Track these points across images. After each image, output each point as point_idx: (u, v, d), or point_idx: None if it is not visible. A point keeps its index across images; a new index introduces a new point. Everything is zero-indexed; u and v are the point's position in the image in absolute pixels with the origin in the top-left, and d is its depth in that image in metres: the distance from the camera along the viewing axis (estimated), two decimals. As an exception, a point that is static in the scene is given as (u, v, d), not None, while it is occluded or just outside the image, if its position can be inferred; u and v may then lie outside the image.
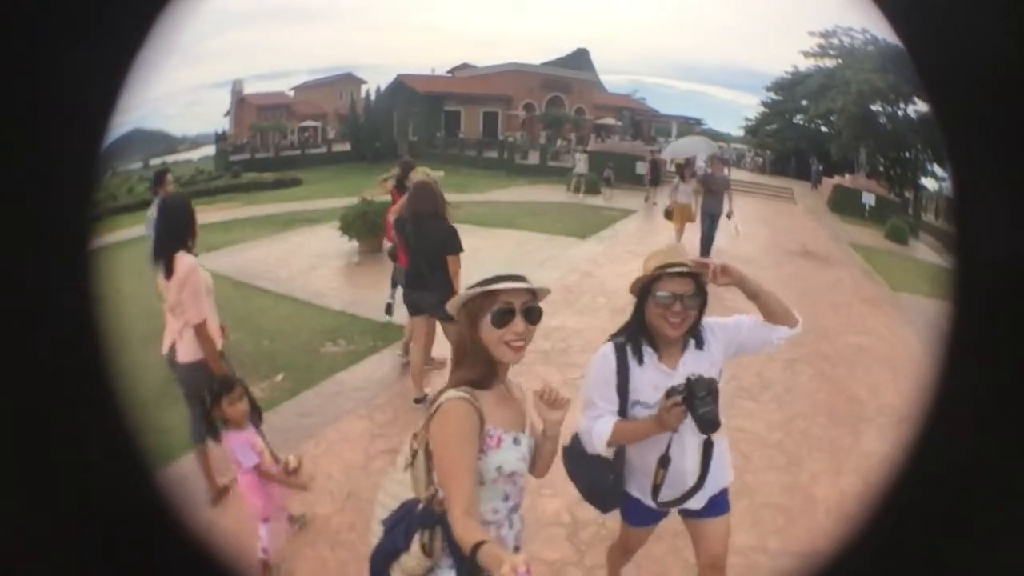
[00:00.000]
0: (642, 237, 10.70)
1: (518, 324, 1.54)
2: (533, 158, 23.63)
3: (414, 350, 4.44)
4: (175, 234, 3.17)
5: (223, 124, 26.47)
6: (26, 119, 0.41)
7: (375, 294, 6.35)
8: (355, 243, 9.12)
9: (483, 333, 1.55)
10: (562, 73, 29.20)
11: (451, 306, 1.61)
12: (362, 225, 8.89)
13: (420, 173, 4.48)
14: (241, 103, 27.15)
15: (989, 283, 0.42)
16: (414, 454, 1.60)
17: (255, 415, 2.90)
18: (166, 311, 3.18)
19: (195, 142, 26.57)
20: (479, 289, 1.56)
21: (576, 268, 8.32)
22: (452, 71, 29.60)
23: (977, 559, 0.45)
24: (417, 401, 4.32)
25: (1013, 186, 0.41)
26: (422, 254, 4.15)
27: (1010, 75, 0.40)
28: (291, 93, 29.36)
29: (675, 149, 21.51)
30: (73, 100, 0.41)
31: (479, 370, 1.58)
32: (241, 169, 22.43)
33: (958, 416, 0.44)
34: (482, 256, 7.91)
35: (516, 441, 1.60)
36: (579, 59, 30.39)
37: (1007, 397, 0.42)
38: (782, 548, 2.99)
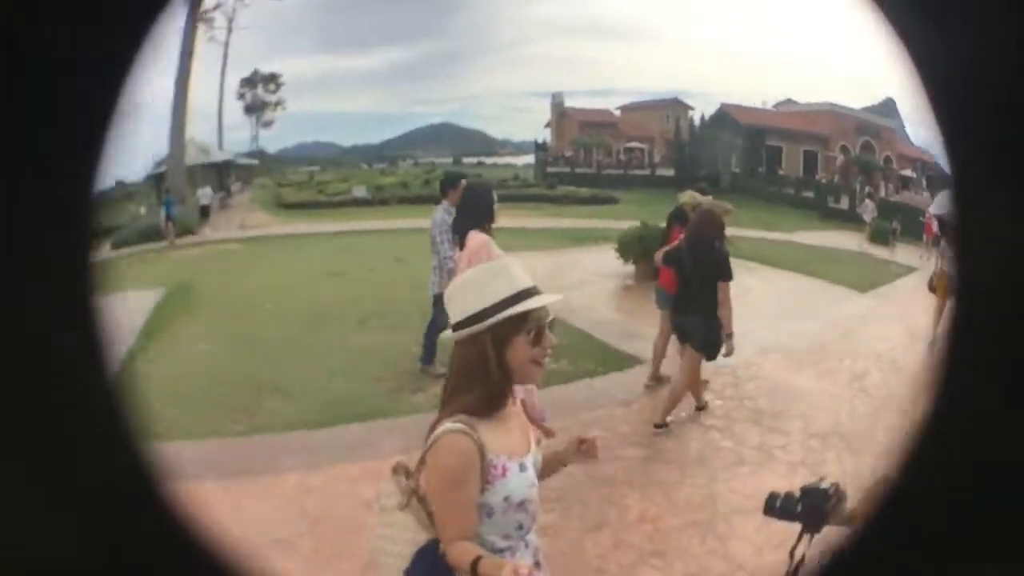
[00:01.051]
0: (917, 298, 10.02)
1: (549, 338, 1.52)
2: (843, 202, 22.71)
3: (682, 379, 4.65)
4: (473, 215, 3.80)
5: (544, 134, 27.99)
6: (23, 123, 0.40)
7: (625, 319, 6.79)
8: (631, 266, 9.46)
9: (512, 352, 1.49)
10: (875, 119, 27.22)
11: (460, 330, 1.51)
12: (638, 248, 9.15)
13: (707, 202, 4.93)
14: (562, 116, 28.34)
15: (990, 283, 0.42)
16: (412, 493, 1.55)
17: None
18: None
19: (519, 148, 28.56)
20: (521, 308, 1.48)
21: (840, 324, 8.17)
22: (776, 105, 28.91)
23: (977, 564, 0.44)
24: (659, 427, 4.60)
25: (1013, 187, 0.40)
26: (696, 278, 4.42)
27: (1010, 75, 0.39)
28: (617, 112, 30.17)
29: (942, 203, 18.99)
30: (71, 102, 0.41)
31: (489, 395, 1.50)
32: (557, 181, 23.84)
33: (960, 415, 0.44)
34: (751, 297, 8.16)
35: (523, 467, 1.53)
36: (888, 107, 28.02)
37: (1008, 398, 0.42)
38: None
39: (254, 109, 27.14)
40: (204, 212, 17.34)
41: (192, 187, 18.17)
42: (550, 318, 1.52)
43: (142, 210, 16.76)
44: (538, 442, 1.66)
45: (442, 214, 5.16)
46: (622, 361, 5.96)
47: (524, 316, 1.48)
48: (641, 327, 6.54)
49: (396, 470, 1.60)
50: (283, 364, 6.13)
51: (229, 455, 4.38)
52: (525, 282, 1.52)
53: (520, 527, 1.53)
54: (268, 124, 27.99)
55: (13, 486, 0.42)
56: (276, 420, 4.90)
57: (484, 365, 1.48)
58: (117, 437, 0.45)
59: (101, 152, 0.40)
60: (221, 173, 22.50)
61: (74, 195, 0.41)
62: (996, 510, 0.43)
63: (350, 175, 24.76)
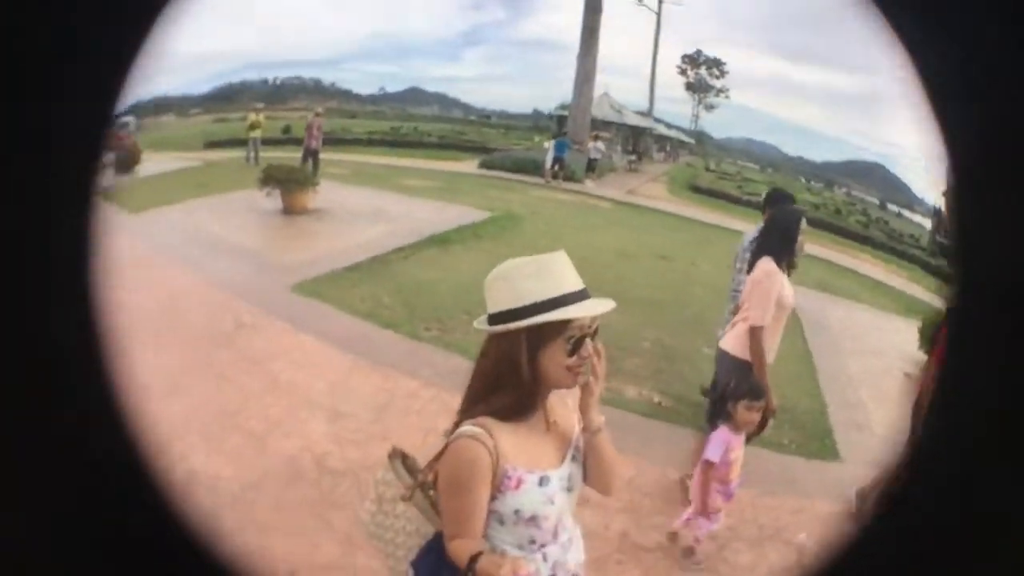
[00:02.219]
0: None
1: (590, 348, 1.40)
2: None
3: None
4: (770, 243, 3.41)
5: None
6: (26, 111, 0.40)
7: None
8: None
9: (547, 357, 1.38)
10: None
11: (493, 325, 1.41)
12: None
13: None
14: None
15: (989, 286, 0.42)
16: (419, 486, 1.49)
17: (756, 431, 3.09)
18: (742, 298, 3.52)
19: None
20: (562, 314, 1.36)
21: None
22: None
23: (976, 563, 0.44)
24: None
25: (1013, 188, 0.40)
26: None
27: (1011, 76, 0.39)
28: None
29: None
30: (73, 96, 0.41)
31: (516, 400, 1.41)
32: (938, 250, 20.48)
33: (960, 418, 0.44)
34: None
35: (543, 481, 1.42)
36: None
37: (1008, 399, 0.42)
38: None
39: (697, 89, 27.30)
40: (591, 165, 17.79)
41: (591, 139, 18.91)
42: (595, 326, 1.41)
43: (545, 144, 18.18)
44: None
45: (752, 234, 4.34)
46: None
47: (565, 323, 1.38)
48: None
49: (393, 455, 1.56)
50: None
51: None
52: (572, 284, 1.41)
53: (532, 541, 1.45)
54: (711, 108, 27.99)
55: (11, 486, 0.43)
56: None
57: (515, 368, 1.39)
58: (116, 435, 0.46)
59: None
60: (636, 136, 23.19)
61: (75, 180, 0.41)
62: (996, 511, 0.44)
63: (783, 184, 23.40)
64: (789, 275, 3.40)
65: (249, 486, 3.28)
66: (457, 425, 1.42)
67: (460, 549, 1.36)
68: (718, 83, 27.40)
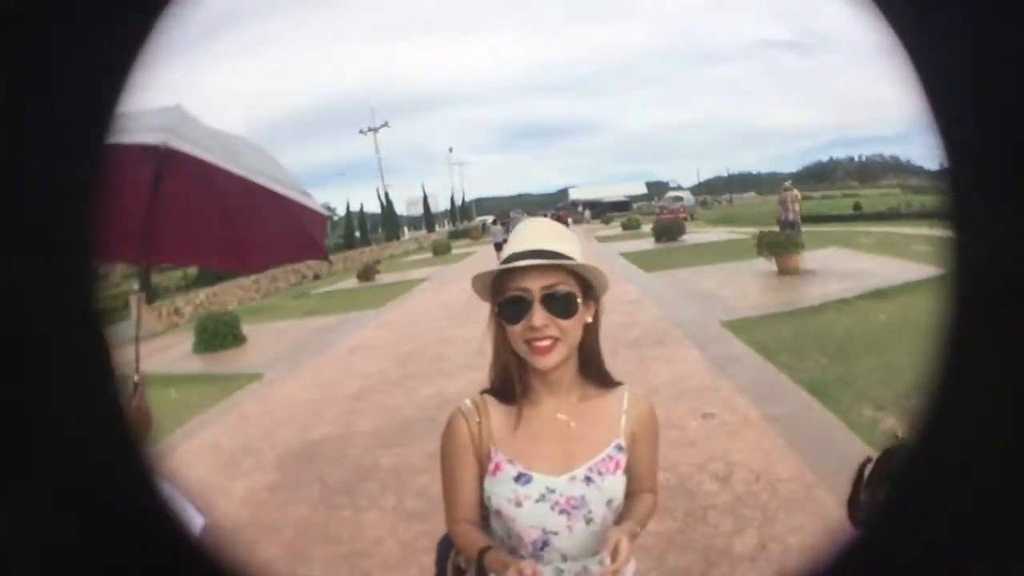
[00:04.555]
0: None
1: (535, 315, 1.21)
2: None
3: None
4: None
5: None
6: (26, 119, 0.40)
7: None
8: None
9: (509, 329, 1.24)
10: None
11: (476, 288, 1.31)
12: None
13: None
14: None
15: (986, 286, 0.42)
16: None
17: None
18: None
19: None
20: (490, 270, 1.26)
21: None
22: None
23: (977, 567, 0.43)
24: None
25: (1014, 189, 0.40)
26: None
27: (1012, 77, 0.39)
28: None
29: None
30: (72, 99, 0.40)
31: (500, 376, 1.31)
32: None
33: (957, 421, 0.43)
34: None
35: (522, 479, 1.27)
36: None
37: (1007, 402, 0.41)
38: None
39: None
40: None
41: None
42: (551, 291, 1.21)
43: None
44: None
45: None
46: None
47: (504, 284, 1.23)
48: None
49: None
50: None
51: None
52: (527, 244, 1.25)
53: (512, 550, 1.28)
54: None
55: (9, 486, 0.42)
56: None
57: (494, 340, 1.29)
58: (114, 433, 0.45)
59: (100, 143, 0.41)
60: None
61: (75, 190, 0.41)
62: (995, 514, 0.42)
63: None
64: None
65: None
66: None
67: (465, 539, 1.28)
68: None
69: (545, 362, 1.22)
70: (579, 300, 1.24)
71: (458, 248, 33.47)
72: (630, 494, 1.34)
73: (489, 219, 49.87)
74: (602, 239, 25.13)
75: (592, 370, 1.34)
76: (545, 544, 1.27)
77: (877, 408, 4.74)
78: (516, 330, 1.22)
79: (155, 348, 11.61)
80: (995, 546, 0.43)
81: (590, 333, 1.30)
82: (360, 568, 3.34)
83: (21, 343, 0.42)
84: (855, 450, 4.10)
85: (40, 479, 0.43)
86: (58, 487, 0.43)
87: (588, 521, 1.27)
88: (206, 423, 6.37)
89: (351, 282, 21.57)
